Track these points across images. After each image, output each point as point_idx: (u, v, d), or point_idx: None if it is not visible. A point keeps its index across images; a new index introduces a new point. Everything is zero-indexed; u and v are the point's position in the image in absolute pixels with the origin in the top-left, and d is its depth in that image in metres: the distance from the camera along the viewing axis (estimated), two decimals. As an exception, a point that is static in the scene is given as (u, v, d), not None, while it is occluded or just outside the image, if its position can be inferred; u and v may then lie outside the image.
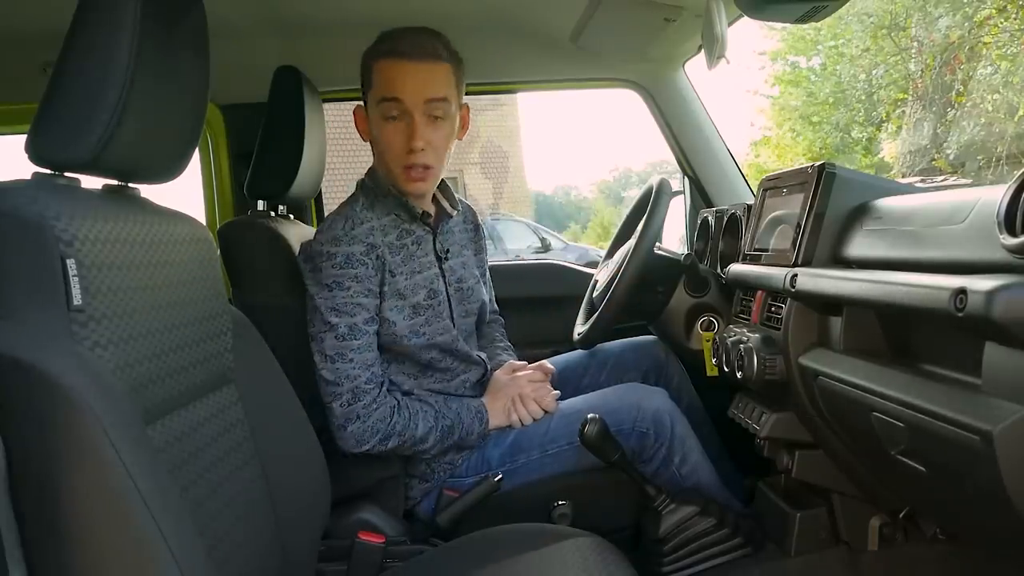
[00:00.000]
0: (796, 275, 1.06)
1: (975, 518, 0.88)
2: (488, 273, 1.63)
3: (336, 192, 1.47)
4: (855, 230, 1.06)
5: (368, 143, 1.38)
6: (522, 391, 1.42)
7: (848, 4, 1.11)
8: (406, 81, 1.27)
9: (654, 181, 1.55)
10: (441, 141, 1.32)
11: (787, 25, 9.17)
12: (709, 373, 1.44)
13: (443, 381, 1.42)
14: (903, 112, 10.65)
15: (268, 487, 0.99)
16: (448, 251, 1.44)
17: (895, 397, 0.83)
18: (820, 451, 1.20)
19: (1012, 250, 0.70)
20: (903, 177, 8.94)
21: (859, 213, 1.07)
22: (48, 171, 0.77)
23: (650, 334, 1.69)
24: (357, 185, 1.41)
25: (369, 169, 1.42)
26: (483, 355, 1.49)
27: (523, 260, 4.71)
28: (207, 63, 0.90)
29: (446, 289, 1.42)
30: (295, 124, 1.51)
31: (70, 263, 0.68)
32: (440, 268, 1.42)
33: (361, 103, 1.38)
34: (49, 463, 0.61)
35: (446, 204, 1.46)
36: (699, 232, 1.79)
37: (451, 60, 1.32)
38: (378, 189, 1.37)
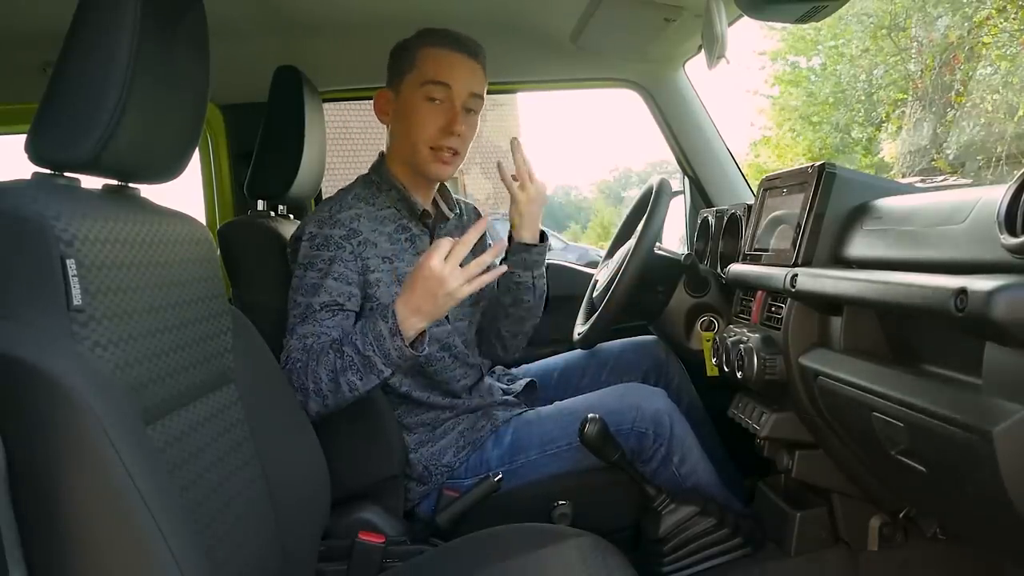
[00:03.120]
0: (796, 275, 1.06)
1: (975, 518, 0.88)
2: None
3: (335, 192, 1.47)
4: (855, 230, 1.06)
5: (385, 124, 1.41)
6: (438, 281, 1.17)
7: (848, 4, 1.11)
8: (459, 71, 1.34)
9: (654, 181, 1.55)
10: (470, 133, 1.38)
11: (787, 25, 9.17)
12: (709, 373, 1.44)
13: (438, 382, 1.41)
14: (903, 112, 10.64)
15: (268, 487, 0.99)
16: None
17: (895, 397, 0.83)
18: (820, 451, 1.20)
19: (1012, 250, 0.70)
20: (903, 177, 8.93)
21: (859, 213, 1.07)
22: (48, 171, 0.77)
23: (650, 334, 1.69)
24: (357, 178, 1.43)
25: (375, 163, 1.43)
26: (474, 358, 1.49)
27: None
28: (207, 63, 0.90)
29: None
30: (295, 124, 1.51)
31: (70, 263, 0.68)
32: None
33: (384, 89, 1.40)
34: (49, 463, 0.61)
35: (444, 207, 1.48)
36: (699, 232, 1.79)
37: (485, 66, 1.40)
38: (382, 182, 1.40)
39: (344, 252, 1.30)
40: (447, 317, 1.41)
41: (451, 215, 1.49)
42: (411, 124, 1.35)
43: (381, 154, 1.44)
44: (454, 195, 1.52)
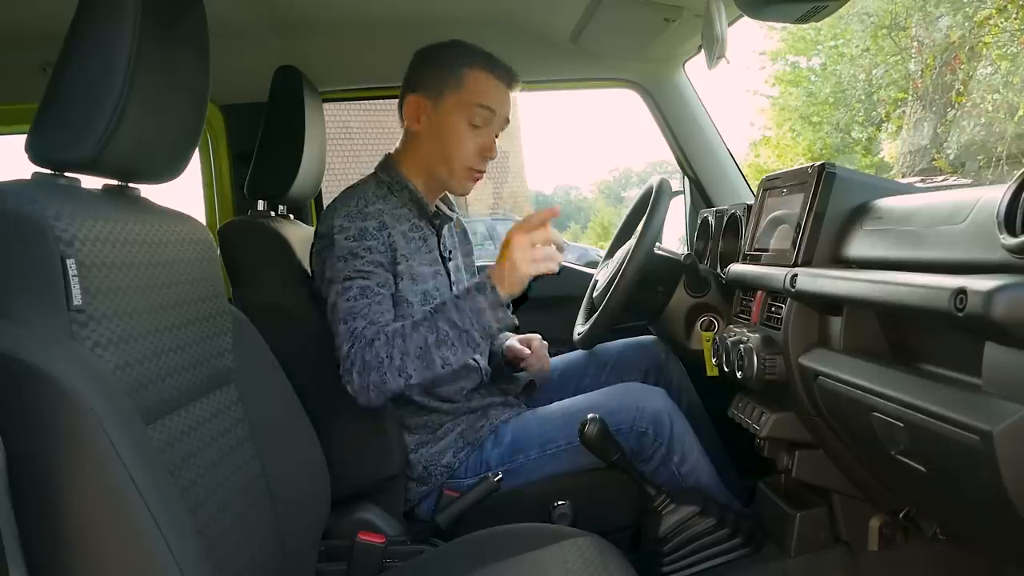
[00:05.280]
0: (796, 275, 1.06)
1: (975, 518, 0.88)
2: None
3: (336, 192, 1.47)
4: (855, 230, 1.06)
5: (414, 130, 1.41)
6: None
7: (848, 4, 1.11)
8: (503, 99, 1.40)
9: (654, 181, 1.55)
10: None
11: (787, 25, 9.17)
12: (709, 373, 1.44)
13: (440, 383, 1.40)
14: (903, 112, 10.65)
15: (268, 487, 0.99)
16: (451, 252, 1.49)
17: (895, 397, 0.83)
18: (820, 451, 1.20)
19: (1012, 250, 0.70)
20: (903, 177, 8.94)
21: (859, 213, 1.07)
22: (48, 171, 0.77)
23: (650, 334, 1.69)
24: (367, 177, 1.43)
25: (383, 163, 1.44)
26: (481, 361, 1.49)
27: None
28: (207, 63, 0.90)
29: (450, 287, 1.45)
30: (295, 124, 1.51)
31: (70, 263, 0.68)
32: (445, 267, 1.45)
33: (416, 95, 1.39)
34: (49, 463, 0.61)
35: (445, 208, 1.50)
36: (699, 232, 1.79)
37: None
38: (394, 183, 1.41)
39: (379, 243, 1.32)
40: None
41: (453, 216, 1.52)
42: (449, 142, 1.38)
43: (388, 156, 1.45)
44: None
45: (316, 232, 1.37)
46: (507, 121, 1.43)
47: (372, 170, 1.46)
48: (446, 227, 1.50)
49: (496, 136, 1.42)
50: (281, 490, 1.01)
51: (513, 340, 1.63)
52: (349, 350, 1.23)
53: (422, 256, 1.40)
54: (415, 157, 1.42)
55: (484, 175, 1.43)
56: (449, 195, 1.53)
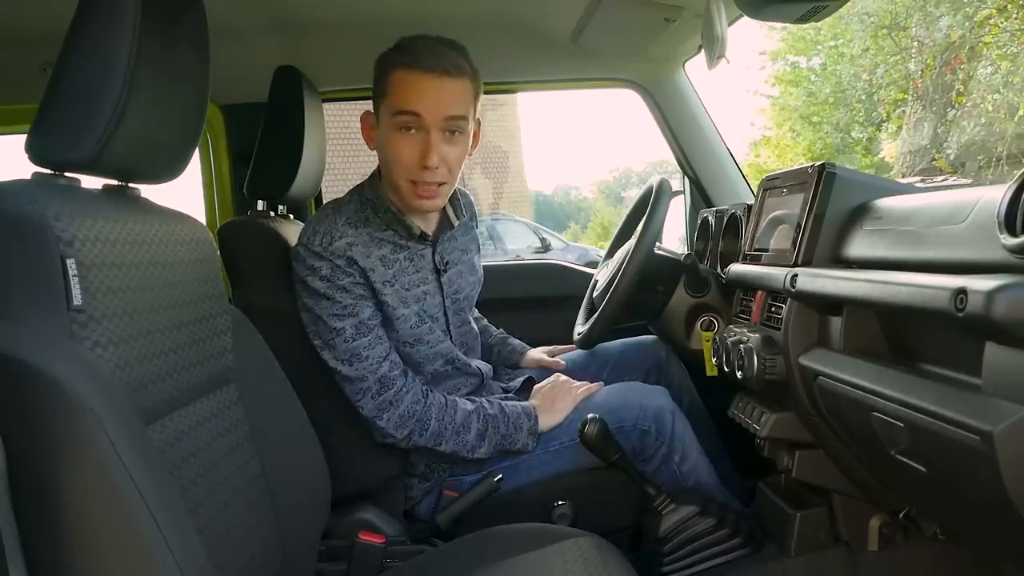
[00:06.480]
0: (796, 275, 1.06)
1: (975, 518, 0.88)
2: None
3: (336, 192, 1.46)
4: (855, 230, 1.06)
5: (373, 150, 1.34)
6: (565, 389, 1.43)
7: (848, 4, 1.11)
8: (428, 96, 1.23)
9: (654, 181, 1.55)
10: (456, 158, 1.29)
11: (787, 25, 9.17)
12: (709, 373, 1.43)
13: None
14: (903, 112, 10.66)
15: (268, 487, 0.99)
16: (447, 263, 1.41)
17: (895, 397, 0.83)
18: (820, 451, 1.20)
19: (1012, 250, 0.70)
20: (903, 177, 8.95)
21: (859, 213, 1.07)
22: (48, 171, 0.77)
23: (650, 334, 1.69)
24: (354, 191, 1.38)
25: (370, 179, 1.38)
26: (481, 365, 1.49)
27: (523, 260, 4.71)
28: (207, 63, 0.90)
29: (443, 303, 1.40)
30: (295, 124, 1.51)
31: (70, 263, 0.68)
32: (438, 282, 1.39)
33: (369, 110, 1.34)
34: (49, 463, 0.61)
35: (452, 215, 1.42)
36: (699, 232, 1.79)
37: (472, 76, 1.28)
38: (377, 202, 1.33)
39: (354, 277, 1.28)
40: (449, 334, 1.42)
41: (457, 222, 1.43)
42: (388, 156, 1.28)
43: (375, 171, 1.38)
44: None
45: (293, 255, 1.31)
46: (452, 119, 1.25)
47: (370, 172, 1.40)
48: (448, 232, 1.41)
49: (455, 132, 1.26)
50: (281, 490, 1.01)
51: (540, 354, 1.66)
52: (380, 392, 1.28)
53: (408, 277, 1.33)
54: (384, 176, 1.33)
55: (445, 185, 1.29)
56: (464, 196, 1.48)
